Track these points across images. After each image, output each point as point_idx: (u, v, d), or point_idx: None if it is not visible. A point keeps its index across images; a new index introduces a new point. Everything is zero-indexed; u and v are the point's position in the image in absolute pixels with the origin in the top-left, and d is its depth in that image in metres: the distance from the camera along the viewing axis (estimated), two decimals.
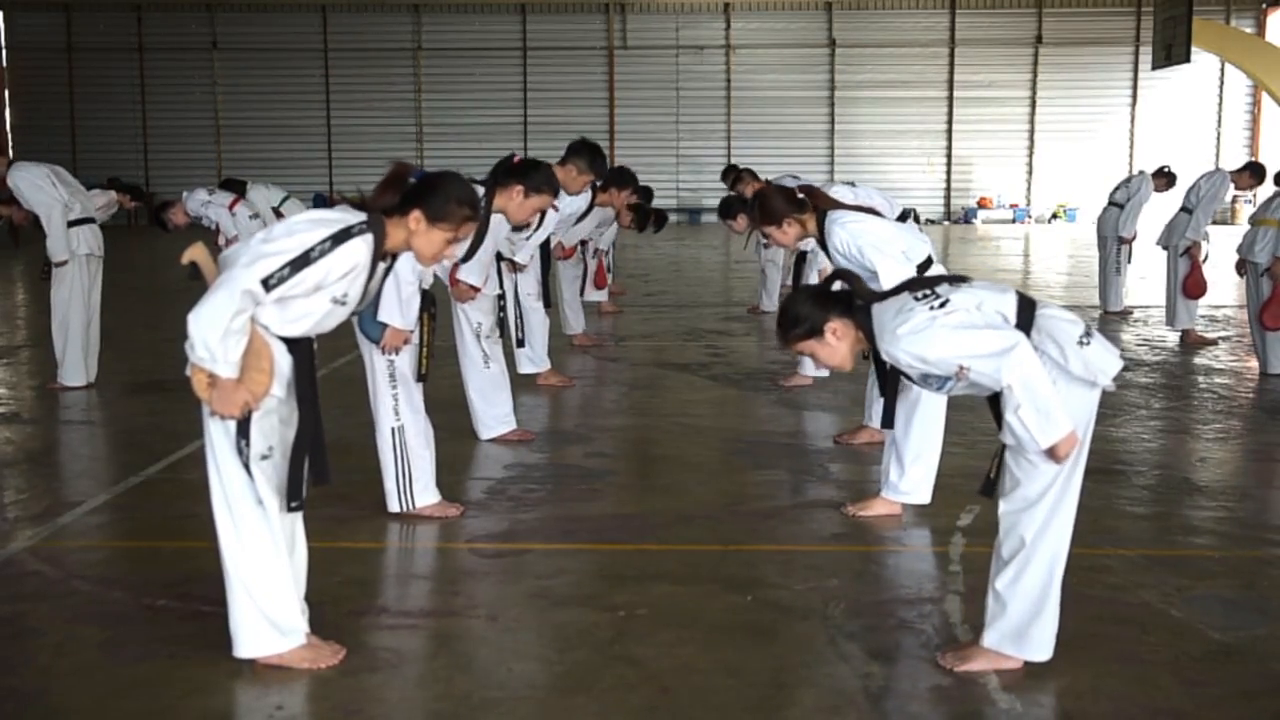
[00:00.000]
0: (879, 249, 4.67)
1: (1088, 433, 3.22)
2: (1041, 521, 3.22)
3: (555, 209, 6.57)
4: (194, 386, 3.12)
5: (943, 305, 3.13)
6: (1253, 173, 10.30)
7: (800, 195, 4.87)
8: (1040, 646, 3.30)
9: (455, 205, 3.31)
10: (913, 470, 4.80)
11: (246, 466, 3.21)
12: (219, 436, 3.21)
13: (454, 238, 3.34)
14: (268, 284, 3.03)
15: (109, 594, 3.97)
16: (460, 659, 3.55)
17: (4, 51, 29.60)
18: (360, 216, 3.19)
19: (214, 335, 3.01)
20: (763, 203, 4.91)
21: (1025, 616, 3.28)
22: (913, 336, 3.10)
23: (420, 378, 4.81)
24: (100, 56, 29.26)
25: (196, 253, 3.28)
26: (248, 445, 3.20)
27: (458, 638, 3.69)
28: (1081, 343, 3.15)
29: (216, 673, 3.32)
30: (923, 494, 4.85)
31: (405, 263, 4.34)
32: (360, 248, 3.15)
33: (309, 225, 3.13)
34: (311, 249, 3.07)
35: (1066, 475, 3.20)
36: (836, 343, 3.33)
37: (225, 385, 3.08)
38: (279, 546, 3.29)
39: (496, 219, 5.48)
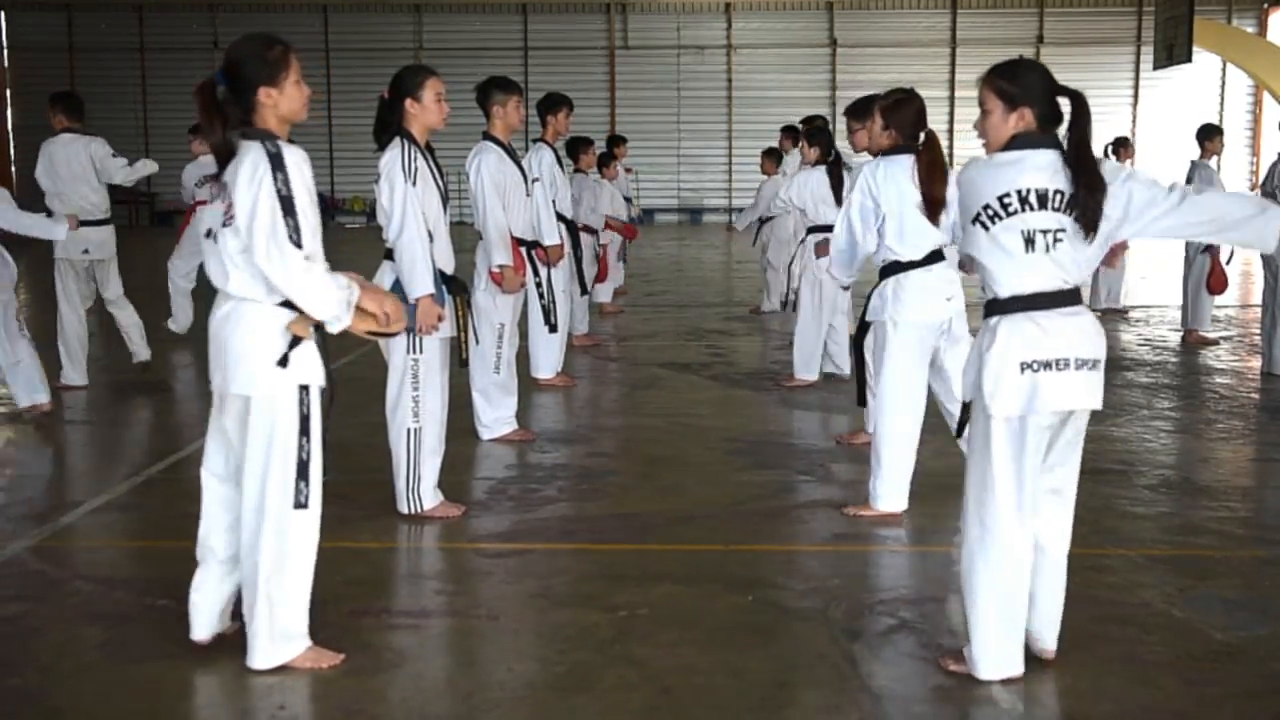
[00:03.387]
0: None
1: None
2: (971, 537, 3.24)
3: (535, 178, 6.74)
4: (359, 332, 3.23)
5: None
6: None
7: (925, 135, 4.74)
8: (979, 664, 3.25)
9: (268, 53, 3.19)
10: (878, 477, 4.80)
11: (304, 464, 3.19)
12: (276, 439, 3.18)
13: (299, 79, 3.22)
14: (294, 240, 3.05)
15: (110, 594, 3.97)
16: (462, 659, 3.55)
17: (4, 51, 29.60)
18: (254, 143, 3.12)
19: (333, 296, 3.09)
20: (905, 101, 4.86)
21: (970, 633, 3.27)
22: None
23: (463, 363, 4.95)
24: (101, 56, 29.26)
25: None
26: (309, 441, 3.20)
27: (459, 637, 3.69)
28: (1024, 367, 3.10)
29: (218, 673, 3.32)
30: (890, 502, 4.81)
31: (410, 232, 4.49)
32: (291, 150, 3.12)
33: (249, 182, 3.06)
34: (276, 189, 3.05)
35: (980, 483, 3.20)
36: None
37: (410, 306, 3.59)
38: (314, 548, 3.31)
39: (511, 182, 5.99)
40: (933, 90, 28.88)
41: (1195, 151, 9.86)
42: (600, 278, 10.95)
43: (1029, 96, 3.16)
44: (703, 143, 29.34)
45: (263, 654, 3.29)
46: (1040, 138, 3.17)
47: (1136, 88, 28.96)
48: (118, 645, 3.54)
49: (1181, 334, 9.88)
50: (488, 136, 6.02)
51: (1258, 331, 8.81)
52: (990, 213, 3.12)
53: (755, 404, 7.30)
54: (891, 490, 4.80)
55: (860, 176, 4.79)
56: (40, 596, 3.96)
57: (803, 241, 7.84)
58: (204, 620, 3.42)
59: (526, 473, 5.60)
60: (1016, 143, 3.17)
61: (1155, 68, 22.60)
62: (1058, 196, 3.10)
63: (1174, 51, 20.85)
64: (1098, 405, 3.19)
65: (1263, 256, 8.25)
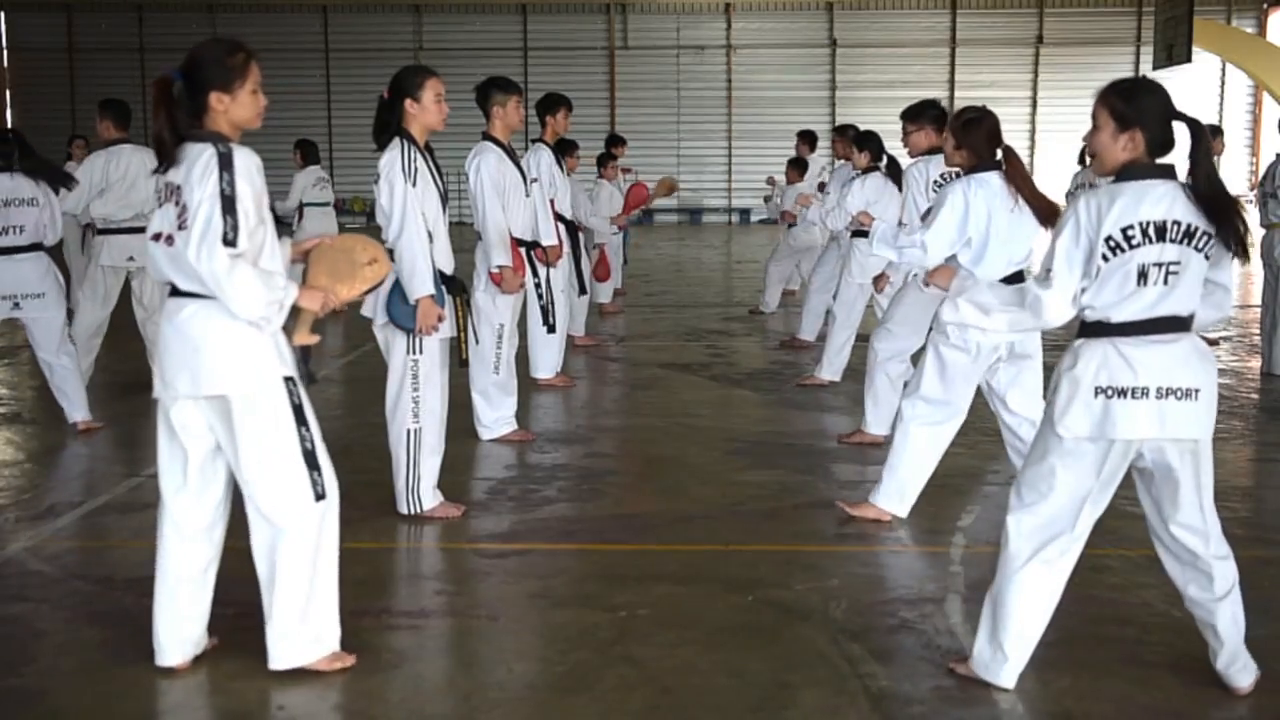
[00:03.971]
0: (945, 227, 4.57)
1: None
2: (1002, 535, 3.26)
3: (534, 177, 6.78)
4: (301, 339, 3.21)
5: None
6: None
7: (1003, 151, 4.63)
8: (978, 665, 3.25)
9: (229, 59, 3.15)
10: (889, 479, 4.75)
11: (311, 454, 3.19)
12: (272, 435, 3.16)
13: (257, 89, 3.20)
14: (227, 240, 3.00)
15: (109, 594, 3.97)
16: (462, 659, 3.56)
17: (4, 51, 29.63)
18: (205, 145, 3.08)
19: (261, 297, 3.05)
20: (976, 121, 4.65)
21: (980, 635, 3.26)
22: None
23: (462, 363, 4.95)
24: (101, 57, 29.28)
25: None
26: (308, 431, 3.20)
27: (459, 638, 3.69)
28: (1098, 392, 3.04)
29: (218, 673, 3.32)
30: (894, 506, 4.77)
31: (410, 233, 4.49)
32: (242, 153, 3.09)
33: (200, 182, 3.02)
34: (220, 188, 3.02)
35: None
36: None
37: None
38: (336, 540, 3.31)
39: (510, 182, 6.00)
40: (932, 90, 28.90)
41: None
42: (601, 277, 10.94)
43: (1142, 119, 3.06)
44: (702, 143, 29.37)
45: (283, 656, 3.27)
46: (1157, 168, 3.08)
47: None
48: (118, 645, 3.53)
49: None
50: (487, 137, 6.02)
51: (1258, 331, 8.80)
52: (1112, 244, 3.01)
53: (755, 404, 7.30)
54: (896, 493, 4.77)
55: (955, 191, 4.55)
56: (40, 596, 3.96)
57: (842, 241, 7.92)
58: (178, 647, 3.33)
59: (526, 473, 5.60)
60: (1133, 173, 3.07)
61: (1155, 68, 22.60)
62: (1175, 227, 3.00)
63: (1174, 51, 20.86)
64: (1192, 435, 3.07)
65: (1263, 256, 8.25)
